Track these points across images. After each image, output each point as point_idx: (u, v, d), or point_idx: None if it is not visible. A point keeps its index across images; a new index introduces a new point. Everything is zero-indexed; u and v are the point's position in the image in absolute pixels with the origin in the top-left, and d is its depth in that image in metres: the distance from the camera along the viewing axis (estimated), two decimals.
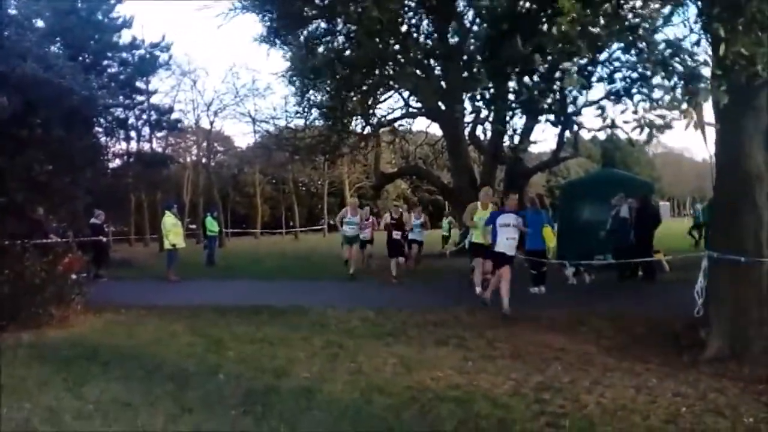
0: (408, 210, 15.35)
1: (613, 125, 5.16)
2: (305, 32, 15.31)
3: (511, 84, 5.59)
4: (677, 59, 4.44)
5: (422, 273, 13.03)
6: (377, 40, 12.83)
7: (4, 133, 7.27)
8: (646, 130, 4.59)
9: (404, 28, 14.43)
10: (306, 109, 17.69)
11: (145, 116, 27.70)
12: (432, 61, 15.28)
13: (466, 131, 18.37)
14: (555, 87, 5.20)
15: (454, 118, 16.25)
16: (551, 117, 5.91)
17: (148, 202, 32.73)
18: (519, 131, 13.35)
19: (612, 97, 5.25)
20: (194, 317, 7.80)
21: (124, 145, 28.94)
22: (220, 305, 8.59)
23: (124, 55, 26.11)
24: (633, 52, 4.76)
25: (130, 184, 28.86)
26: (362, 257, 13.57)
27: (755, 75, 4.48)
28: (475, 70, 5.95)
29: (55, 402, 4.39)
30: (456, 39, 14.04)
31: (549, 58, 4.70)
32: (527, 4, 5.04)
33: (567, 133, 14.18)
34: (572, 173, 47.17)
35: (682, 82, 4.44)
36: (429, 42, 14.94)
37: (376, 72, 15.41)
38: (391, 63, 15.11)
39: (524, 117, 9.57)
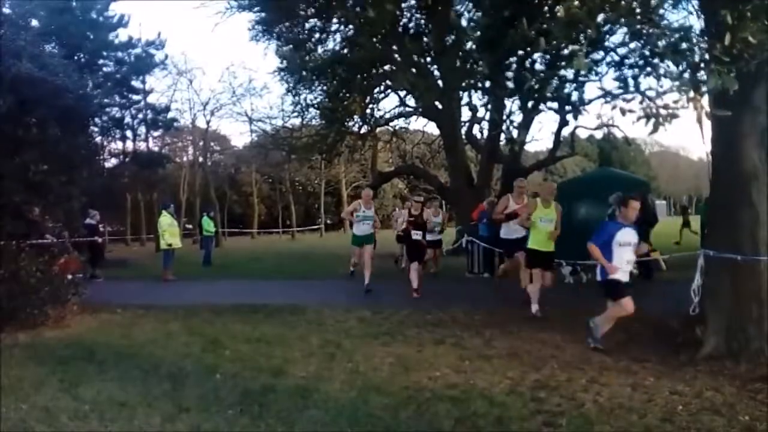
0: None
1: (610, 124, 5.15)
2: (302, 33, 15.30)
3: (510, 74, 5.57)
4: (685, 45, 4.39)
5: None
6: (375, 41, 12.81)
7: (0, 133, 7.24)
8: (652, 120, 4.55)
9: (401, 27, 14.43)
10: (303, 109, 17.68)
11: (141, 115, 27.68)
12: (428, 59, 15.29)
13: (463, 130, 18.39)
14: (559, 73, 5.14)
15: (451, 117, 16.27)
16: (554, 105, 5.87)
17: (145, 202, 32.67)
18: (517, 124, 13.28)
19: (620, 86, 5.12)
20: (191, 317, 7.77)
21: (120, 144, 29.02)
22: (216, 305, 8.57)
23: (120, 54, 26.10)
24: (641, 36, 4.67)
25: (126, 183, 28.87)
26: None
27: (766, 63, 4.46)
28: (473, 60, 5.92)
29: (52, 402, 4.37)
30: (453, 36, 14.04)
31: (554, 42, 4.61)
32: None
33: (565, 131, 14.17)
34: (569, 172, 47.35)
35: (689, 69, 4.40)
36: (426, 40, 14.95)
37: (373, 71, 15.42)
38: (388, 63, 15.12)
39: (522, 111, 9.54)
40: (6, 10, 9.96)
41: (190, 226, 33.91)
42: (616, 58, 5.42)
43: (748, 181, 5.27)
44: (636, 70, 4.98)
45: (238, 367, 5.28)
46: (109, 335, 6.85)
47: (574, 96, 5.67)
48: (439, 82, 15.25)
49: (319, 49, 15.24)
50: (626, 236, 5.63)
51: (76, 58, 20.89)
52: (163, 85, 42.08)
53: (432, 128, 21.89)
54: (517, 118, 12.23)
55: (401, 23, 14.46)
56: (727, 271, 5.35)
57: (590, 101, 7.96)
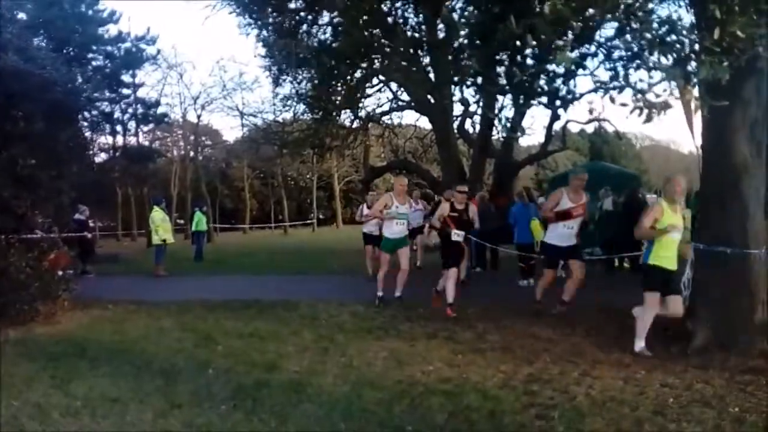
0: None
1: (601, 119, 5.17)
2: (288, 23, 15.14)
3: (501, 69, 5.56)
4: (672, 37, 4.40)
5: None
6: (361, 28, 12.70)
7: None
8: (645, 111, 4.55)
9: (391, 19, 14.35)
10: (294, 101, 17.53)
11: (131, 110, 27.49)
12: (420, 53, 15.24)
13: (455, 124, 18.38)
14: (548, 68, 5.15)
15: (443, 112, 16.24)
16: (543, 99, 5.87)
17: (135, 197, 32.44)
18: (509, 120, 13.27)
19: (610, 80, 5.12)
20: (183, 312, 7.74)
21: (109, 139, 28.83)
22: (209, 300, 8.54)
23: (110, 48, 25.88)
24: (628, 30, 4.68)
25: (116, 178, 28.68)
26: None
27: (755, 57, 4.48)
28: (464, 56, 5.91)
29: (43, 399, 4.34)
30: (444, 30, 14.01)
31: (542, 37, 4.62)
32: None
33: (556, 125, 14.17)
34: (560, 166, 47.45)
35: (676, 61, 4.41)
36: (417, 33, 14.89)
37: (364, 64, 15.33)
38: (379, 55, 15.05)
39: (514, 106, 9.50)
40: None
41: (182, 221, 33.69)
42: (606, 51, 5.41)
43: (738, 175, 5.30)
44: (626, 61, 5.00)
45: (231, 362, 5.26)
46: (100, 331, 6.81)
47: (563, 90, 5.67)
48: (431, 75, 15.22)
49: (306, 38, 15.05)
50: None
51: (64, 51, 20.69)
52: (153, 79, 41.61)
53: (424, 122, 21.87)
54: (510, 113, 12.22)
55: (391, 14, 14.39)
56: (717, 265, 5.39)
57: (581, 95, 7.98)
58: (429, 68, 15.47)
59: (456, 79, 7.34)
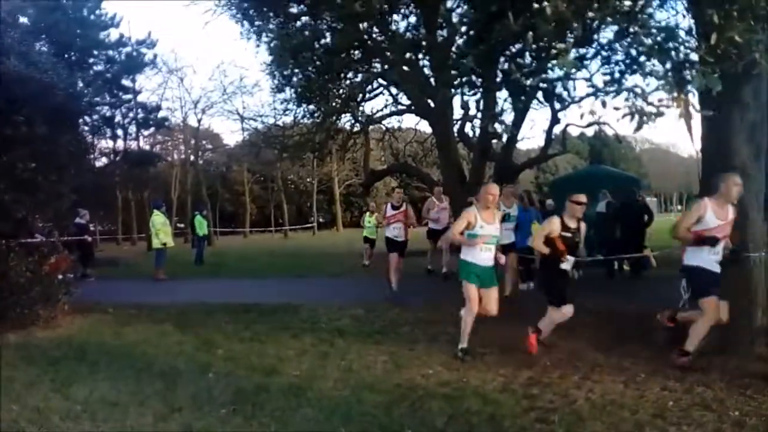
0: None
1: (601, 122, 5.19)
2: (290, 29, 15.15)
3: (499, 70, 5.57)
4: (671, 44, 4.42)
5: (407, 271, 12.99)
6: (357, 21, 12.67)
7: None
8: (637, 117, 4.57)
9: (389, 17, 14.35)
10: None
11: (131, 114, 27.57)
12: (419, 55, 15.24)
13: (455, 128, 18.40)
14: (547, 68, 5.15)
15: (443, 115, 16.25)
16: (541, 97, 5.88)
17: (135, 201, 32.47)
18: (509, 123, 13.26)
19: (607, 82, 5.09)
20: (183, 316, 7.74)
21: (110, 143, 28.87)
22: (209, 304, 8.55)
23: (111, 52, 25.95)
24: (628, 34, 4.69)
25: (116, 182, 28.68)
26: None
27: (752, 63, 4.50)
28: (462, 55, 5.91)
29: (43, 403, 4.35)
30: (443, 32, 14.02)
31: (544, 39, 4.62)
32: None
33: (556, 129, 14.14)
34: (560, 170, 47.53)
35: (674, 69, 4.42)
36: (415, 34, 14.89)
37: (360, 65, 15.32)
38: (378, 59, 15.04)
39: (513, 108, 9.48)
40: None
41: (182, 225, 33.72)
42: (605, 54, 5.43)
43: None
44: (623, 66, 5.01)
45: (231, 366, 5.26)
46: (100, 335, 6.81)
47: (562, 91, 5.69)
48: (431, 80, 15.22)
49: (306, 33, 15.01)
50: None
51: (65, 56, 20.75)
52: (153, 84, 41.74)
53: (424, 126, 21.90)
54: (509, 117, 12.20)
55: (389, 15, 14.38)
56: None
57: (581, 99, 8.00)
58: (427, 69, 15.47)
59: (456, 81, 7.35)
